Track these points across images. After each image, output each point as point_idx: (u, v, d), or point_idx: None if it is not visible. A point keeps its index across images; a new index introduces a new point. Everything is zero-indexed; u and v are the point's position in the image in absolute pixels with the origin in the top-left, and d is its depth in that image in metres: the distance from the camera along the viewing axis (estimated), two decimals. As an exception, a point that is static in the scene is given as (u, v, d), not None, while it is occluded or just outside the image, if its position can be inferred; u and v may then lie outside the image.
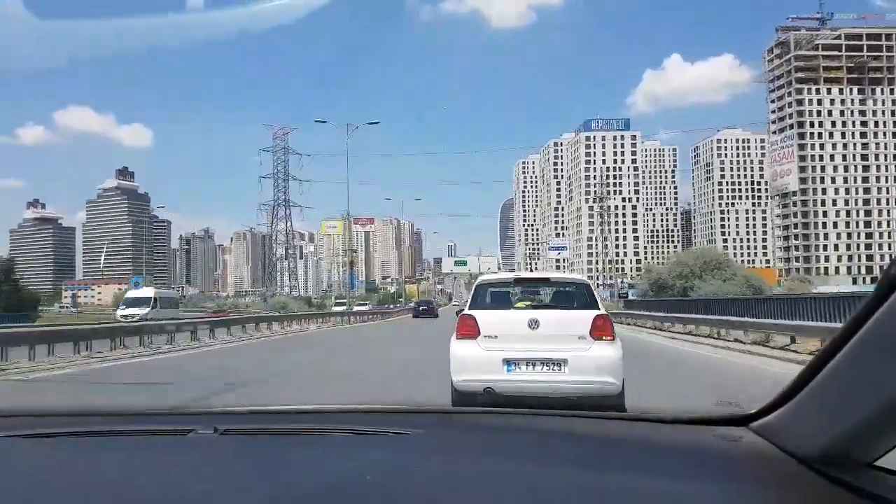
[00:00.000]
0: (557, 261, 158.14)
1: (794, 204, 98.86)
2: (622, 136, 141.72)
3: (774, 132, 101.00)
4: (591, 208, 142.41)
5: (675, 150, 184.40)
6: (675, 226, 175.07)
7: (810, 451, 0.90)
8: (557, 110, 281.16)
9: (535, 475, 0.95)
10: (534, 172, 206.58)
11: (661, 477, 0.94)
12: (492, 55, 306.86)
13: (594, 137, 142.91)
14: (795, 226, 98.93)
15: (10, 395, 7.68)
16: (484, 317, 5.25)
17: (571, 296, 5.73)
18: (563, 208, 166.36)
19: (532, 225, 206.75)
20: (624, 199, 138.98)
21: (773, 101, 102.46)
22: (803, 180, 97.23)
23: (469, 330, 5.19)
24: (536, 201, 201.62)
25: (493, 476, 0.95)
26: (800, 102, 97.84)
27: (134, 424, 1.26)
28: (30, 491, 0.93)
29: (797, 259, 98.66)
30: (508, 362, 5.00)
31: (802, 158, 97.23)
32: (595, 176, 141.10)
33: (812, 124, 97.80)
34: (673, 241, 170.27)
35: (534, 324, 5.08)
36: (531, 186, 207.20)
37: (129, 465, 1.02)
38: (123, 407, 1.52)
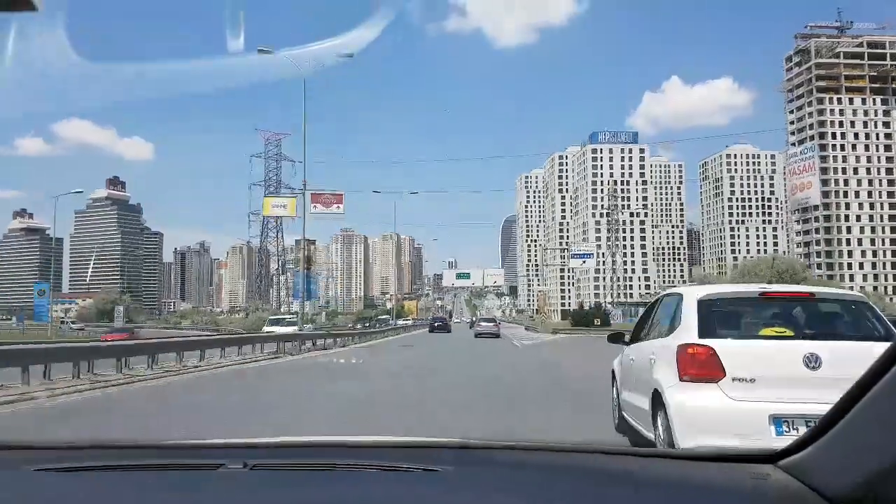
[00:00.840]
0: (561, 270, 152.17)
1: (816, 219, 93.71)
2: (629, 150, 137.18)
3: (794, 144, 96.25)
4: (597, 223, 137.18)
5: (680, 166, 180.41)
6: (682, 244, 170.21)
7: (840, 491, 0.88)
8: (558, 128, 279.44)
9: None
10: (537, 187, 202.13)
11: None
12: (493, 74, 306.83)
13: (601, 150, 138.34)
14: (817, 242, 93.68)
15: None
16: (730, 349, 3.73)
17: (845, 318, 4.10)
18: (567, 223, 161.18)
19: (535, 241, 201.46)
20: (632, 214, 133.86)
21: (791, 112, 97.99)
22: (825, 194, 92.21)
23: (706, 369, 3.65)
24: (540, 216, 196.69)
25: None
26: (821, 112, 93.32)
27: (162, 458, 1.26)
28: None
29: (819, 277, 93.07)
30: (779, 420, 3.52)
31: (824, 171, 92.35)
32: (602, 189, 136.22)
33: (834, 135, 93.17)
34: (679, 259, 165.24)
35: (812, 361, 3.60)
36: (534, 200, 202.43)
37: (159, 501, 1.02)
38: (152, 440, 1.53)
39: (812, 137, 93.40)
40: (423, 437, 1.34)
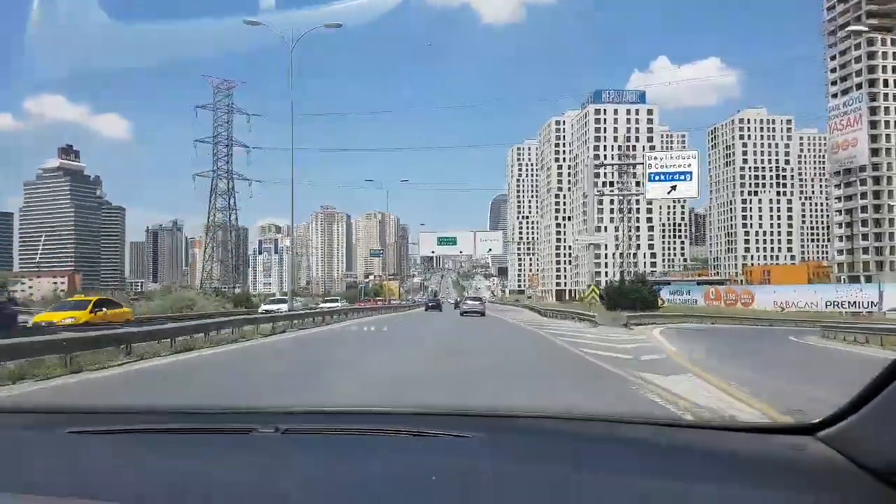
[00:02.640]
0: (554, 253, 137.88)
1: (863, 182, 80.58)
2: (637, 111, 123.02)
3: (835, 95, 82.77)
4: (599, 192, 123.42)
5: (683, 136, 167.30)
6: (683, 220, 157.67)
7: (880, 463, 0.87)
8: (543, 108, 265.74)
9: (597, 482, 0.95)
10: (530, 160, 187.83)
11: (726, 485, 0.93)
12: (481, 52, 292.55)
13: (605, 111, 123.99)
14: (863, 209, 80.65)
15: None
16: None
17: None
18: (564, 196, 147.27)
19: (527, 217, 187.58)
20: (638, 184, 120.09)
21: (833, 59, 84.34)
22: (875, 152, 79.01)
23: None
24: (534, 190, 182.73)
25: (555, 481, 0.94)
26: (871, 56, 79.75)
27: (195, 423, 1.29)
28: (103, 483, 0.97)
29: (866, 251, 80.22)
30: None
31: (874, 125, 79.07)
32: (606, 156, 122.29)
33: (886, 82, 79.75)
34: (679, 237, 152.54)
35: None
36: (527, 174, 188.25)
37: (196, 462, 1.06)
38: (188, 405, 1.59)
39: (859, 86, 80.00)
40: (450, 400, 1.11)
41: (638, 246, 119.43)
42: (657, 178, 38.14)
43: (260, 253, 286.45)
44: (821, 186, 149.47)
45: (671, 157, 39.66)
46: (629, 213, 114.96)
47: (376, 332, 19.06)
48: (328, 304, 41.55)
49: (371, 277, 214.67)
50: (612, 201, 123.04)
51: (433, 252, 57.45)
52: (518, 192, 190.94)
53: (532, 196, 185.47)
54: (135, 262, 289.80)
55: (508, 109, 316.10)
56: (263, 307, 32.53)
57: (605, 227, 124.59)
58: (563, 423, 1.29)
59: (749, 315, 44.09)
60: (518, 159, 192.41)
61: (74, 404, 1.60)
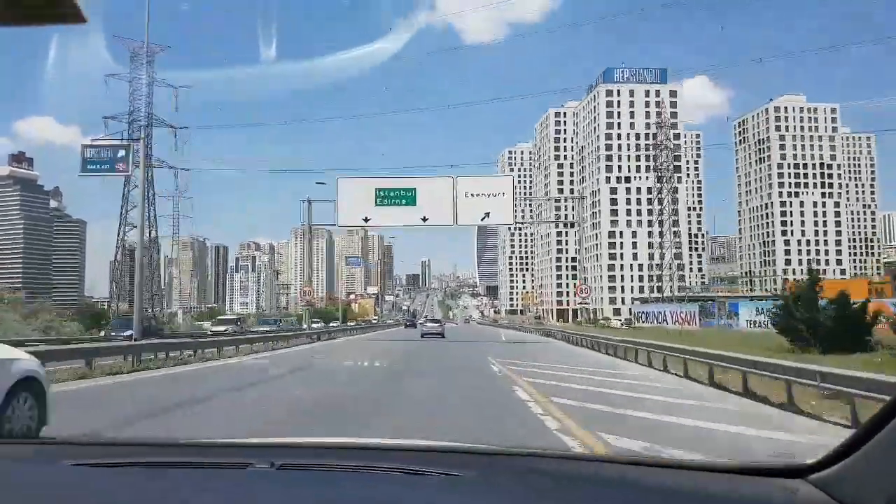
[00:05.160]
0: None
1: None
2: (657, 92, 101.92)
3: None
4: (613, 189, 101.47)
5: (698, 136, 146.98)
6: (700, 230, 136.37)
7: None
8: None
9: None
10: (522, 164, 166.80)
11: None
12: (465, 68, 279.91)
13: (618, 93, 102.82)
14: None
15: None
16: None
17: None
18: (565, 196, 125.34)
19: (520, 228, 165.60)
20: (660, 180, 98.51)
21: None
22: None
23: None
24: (528, 196, 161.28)
25: None
26: None
27: (192, 456, 1.29)
28: None
29: None
30: None
31: None
32: (621, 145, 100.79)
33: None
34: (696, 250, 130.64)
35: None
36: (520, 179, 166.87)
37: (185, 498, 1.05)
38: (181, 438, 1.61)
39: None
40: (443, 440, 1.34)
41: (662, 255, 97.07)
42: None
43: (237, 271, 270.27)
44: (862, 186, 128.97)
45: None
46: (660, 215, 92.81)
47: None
48: (218, 328, 34.17)
49: (352, 296, 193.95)
50: (638, 201, 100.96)
51: (369, 221, 32.73)
52: (512, 198, 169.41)
53: (526, 204, 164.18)
54: (116, 282, 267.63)
55: (502, 111, 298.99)
56: (211, 328, 33.68)
57: (621, 232, 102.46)
58: (556, 462, 1.28)
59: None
60: (510, 163, 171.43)
61: (75, 436, 1.67)
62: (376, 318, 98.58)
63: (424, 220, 28.97)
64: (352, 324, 59.73)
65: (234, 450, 1.37)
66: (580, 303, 51.27)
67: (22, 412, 4.51)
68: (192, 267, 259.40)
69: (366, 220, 30.25)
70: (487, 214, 29.74)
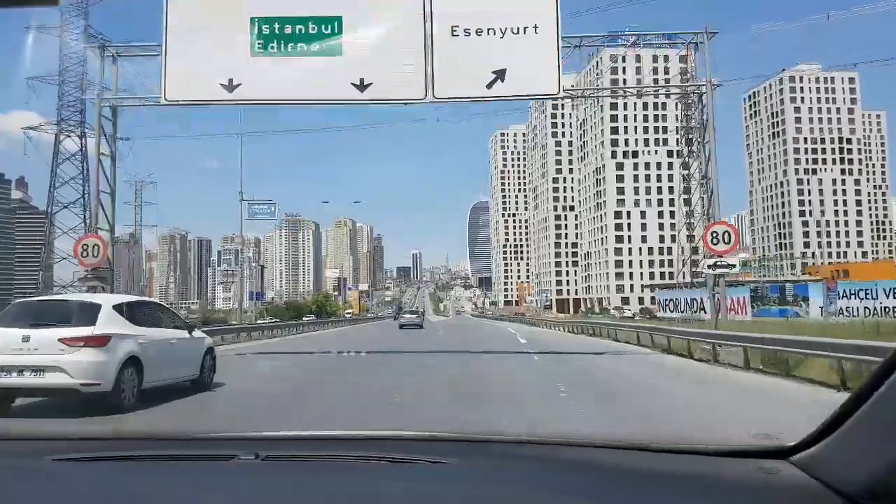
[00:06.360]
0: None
1: None
2: (666, 58, 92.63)
3: None
4: (619, 166, 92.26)
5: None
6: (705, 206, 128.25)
7: (854, 487, 0.86)
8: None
9: None
10: (515, 147, 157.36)
11: None
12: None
13: (624, 59, 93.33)
14: None
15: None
16: None
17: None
18: (564, 178, 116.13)
19: (514, 214, 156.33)
20: (670, 154, 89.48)
21: None
22: None
23: None
24: (522, 182, 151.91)
25: None
26: None
27: (176, 449, 1.28)
28: None
29: None
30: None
31: None
32: (627, 116, 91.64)
33: None
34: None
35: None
36: (513, 164, 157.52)
37: (172, 491, 1.04)
38: (165, 431, 1.61)
39: None
40: (428, 427, 1.38)
41: (673, 238, 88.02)
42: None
43: (219, 265, 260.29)
44: (874, 167, 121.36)
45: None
46: (687, 181, 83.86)
47: None
48: None
49: (337, 292, 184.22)
50: (647, 178, 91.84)
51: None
52: (503, 185, 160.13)
53: (520, 189, 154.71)
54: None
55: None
56: None
57: (629, 212, 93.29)
58: (537, 448, 1.29)
59: None
60: (502, 147, 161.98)
61: (55, 430, 1.63)
62: (350, 311, 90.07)
63: (361, 86, 14.02)
64: (308, 319, 48.58)
65: (219, 442, 1.35)
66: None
67: (207, 366, 8.62)
68: (170, 260, 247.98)
69: (230, 85, 14.10)
70: (501, 74, 14.01)
